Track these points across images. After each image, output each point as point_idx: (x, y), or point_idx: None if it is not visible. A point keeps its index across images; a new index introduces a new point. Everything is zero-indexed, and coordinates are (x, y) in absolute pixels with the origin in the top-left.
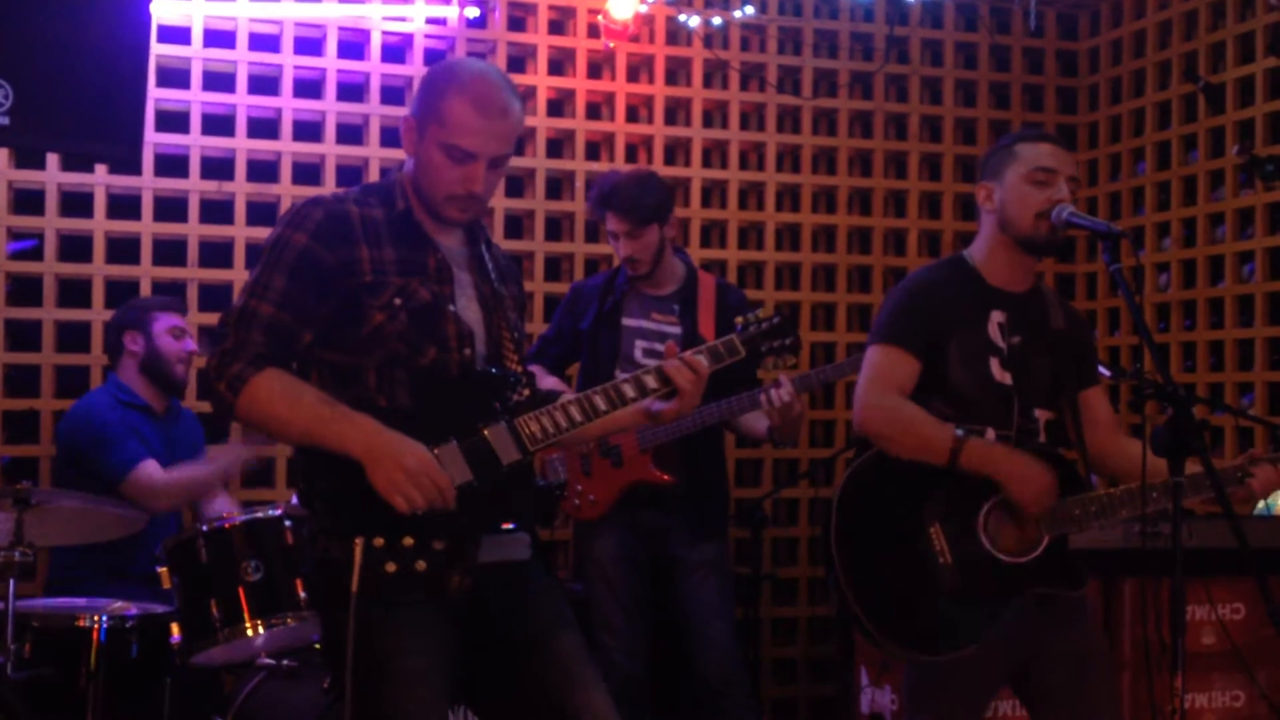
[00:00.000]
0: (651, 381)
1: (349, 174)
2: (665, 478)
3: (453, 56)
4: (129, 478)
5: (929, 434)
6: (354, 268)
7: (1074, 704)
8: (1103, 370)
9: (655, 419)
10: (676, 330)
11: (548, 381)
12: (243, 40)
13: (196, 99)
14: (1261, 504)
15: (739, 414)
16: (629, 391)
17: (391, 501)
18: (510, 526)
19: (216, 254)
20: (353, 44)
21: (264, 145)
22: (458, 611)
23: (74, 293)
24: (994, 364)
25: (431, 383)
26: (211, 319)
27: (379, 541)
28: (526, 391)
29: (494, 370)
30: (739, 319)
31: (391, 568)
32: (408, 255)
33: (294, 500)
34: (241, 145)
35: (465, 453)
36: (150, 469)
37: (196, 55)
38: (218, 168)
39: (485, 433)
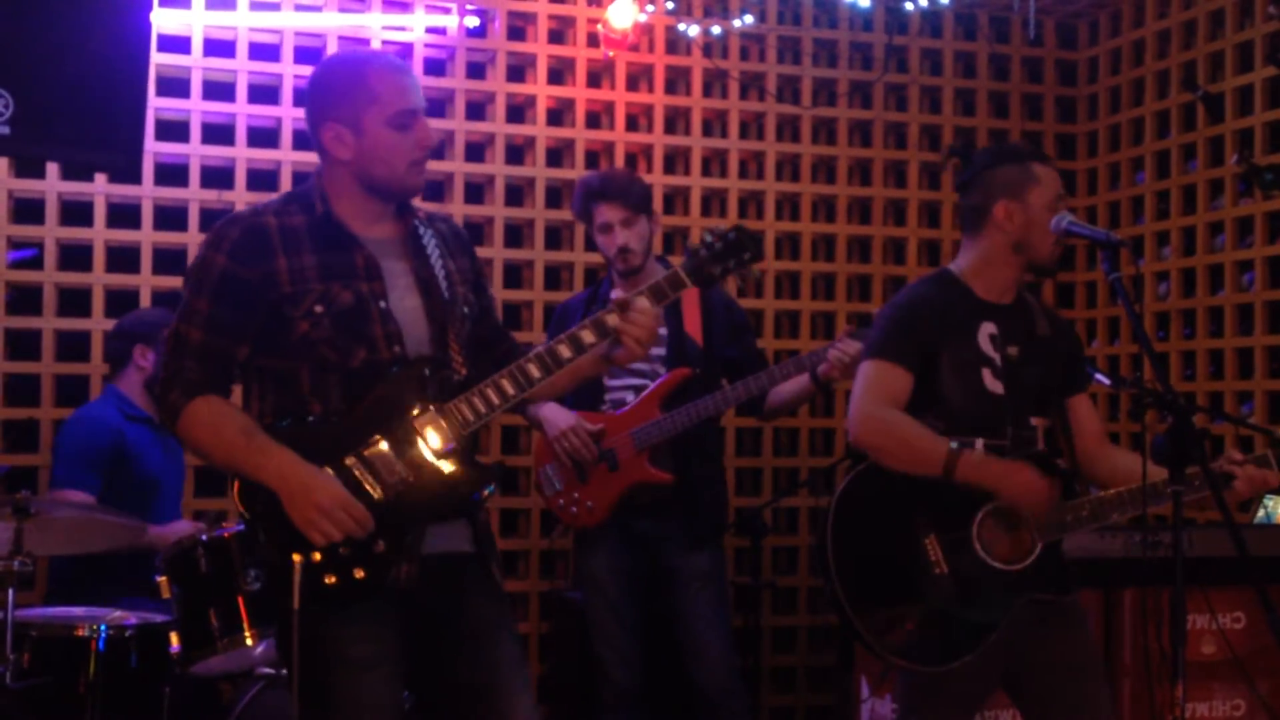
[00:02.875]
0: (589, 336)
1: None
2: (664, 476)
3: (331, 55)
4: (52, 495)
5: (924, 446)
6: (273, 279)
7: (1068, 709)
8: (1103, 379)
9: (610, 362)
10: (662, 330)
11: (546, 408)
12: (243, 50)
13: (196, 108)
14: (1262, 512)
15: (758, 391)
16: (565, 352)
17: (308, 536)
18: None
19: None
20: None
21: (264, 154)
22: (402, 601)
23: (74, 302)
24: (986, 375)
25: (363, 383)
26: None
27: (316, 556)
28: (464, 370)
29: (415, 360)
30: (690, 246)
31: (331, 580)
32: (330, 260)
33: None
34: (241, 154)
35: (395, 449)
36: (70, 497)
37: (196, 64)
38: (218, 177)
39: (414, 424)
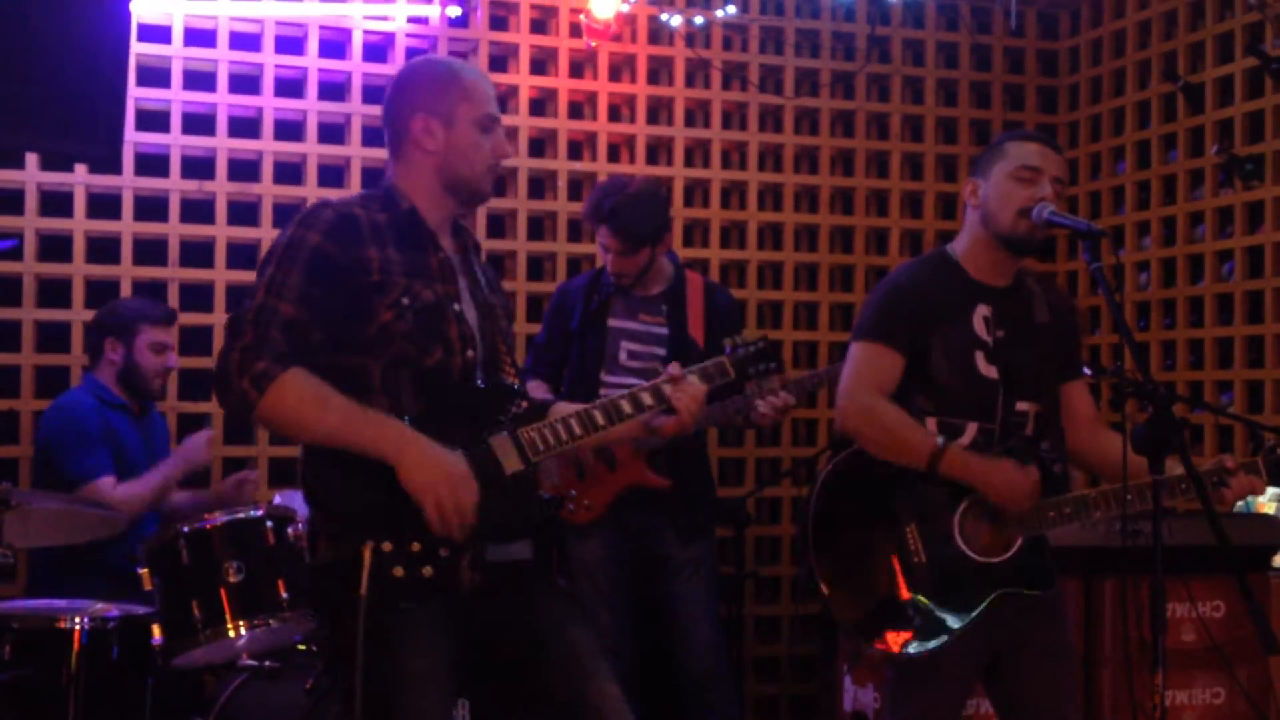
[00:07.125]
0: (648, 399)
1: (330, 173)
2: (661, 481)
3: (419, 57)
4: (83, 490)
5: (910, 439)
6: (364, 265)
7: (1041, 701)
8: (1083, 368)
9: (654, 433)
10: (664, 331)
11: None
12: (223, 39)
13: (177, 98)
14: (1240, 501)
15: (726, 418)
16: (626, 408)
17: (423, 504)
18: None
19: (197, 254)
20: (334, 43)
21: (245, 144)
22: (464, 609)
23: (54, 293)
24: (979, 357)
25: (435, 388)
26: (192, 319)
27: (387, 546)
28: (525, 404)
29: (496, 383)
30: (726, 340)
31: (399, 572)
32: (412, 257)
33: (276, 500)
34: (222, 144)
35: (471, 462)
36: (105, 485)
37: (177, 54)
38: (198, 167)
39: (490, 442)
